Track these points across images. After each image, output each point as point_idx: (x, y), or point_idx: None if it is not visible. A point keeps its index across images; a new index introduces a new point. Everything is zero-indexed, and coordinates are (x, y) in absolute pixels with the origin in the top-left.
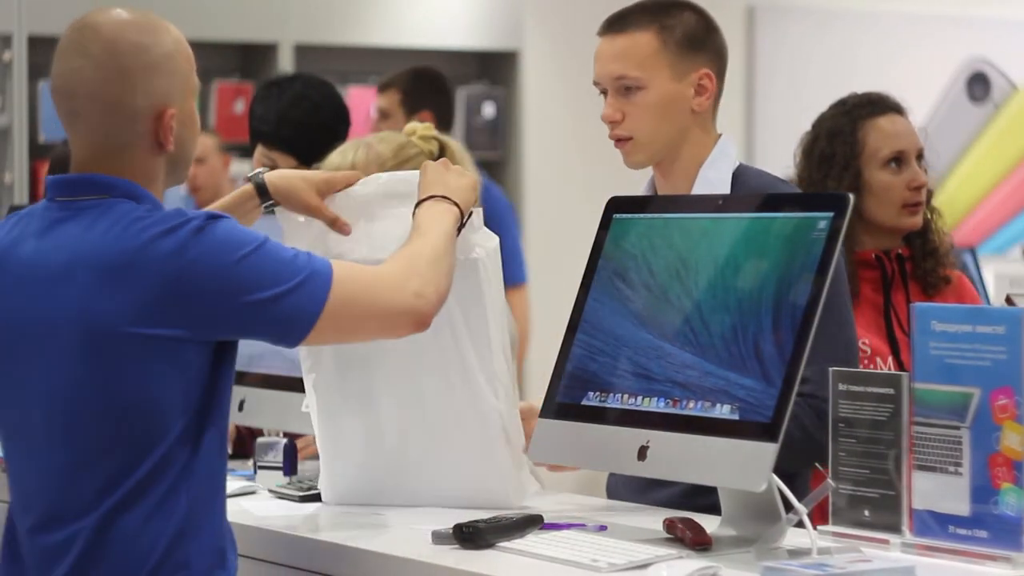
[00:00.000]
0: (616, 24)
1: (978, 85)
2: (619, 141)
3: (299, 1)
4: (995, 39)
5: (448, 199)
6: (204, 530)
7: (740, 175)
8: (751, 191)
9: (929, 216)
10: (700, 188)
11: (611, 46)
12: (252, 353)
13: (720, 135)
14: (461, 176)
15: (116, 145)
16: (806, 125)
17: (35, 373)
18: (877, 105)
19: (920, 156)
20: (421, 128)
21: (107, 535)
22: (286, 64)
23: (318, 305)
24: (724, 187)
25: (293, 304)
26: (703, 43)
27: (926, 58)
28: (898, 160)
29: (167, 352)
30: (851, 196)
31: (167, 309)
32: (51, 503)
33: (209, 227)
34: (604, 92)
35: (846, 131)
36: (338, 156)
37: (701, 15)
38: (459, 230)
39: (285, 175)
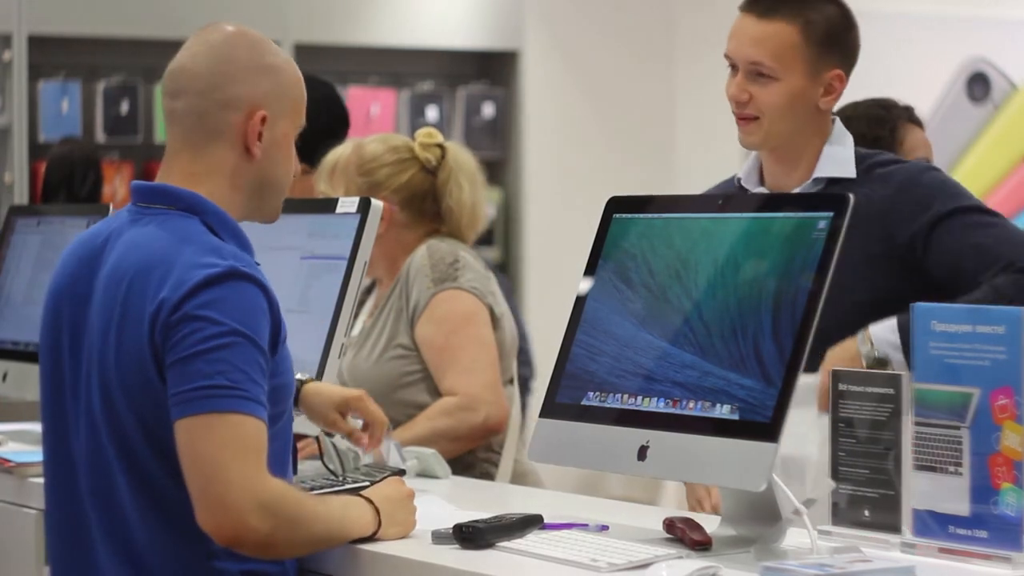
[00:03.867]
0: (764, 6)
1: (978, 85)
2: (743, 119)
3: (299, 1)
4: (995, 39)
5: (377, 514)
6: None
7: (857, 154)
8: (873, 165)
9: None
10: (825, 164)
11: (753, 28)
12: None
13: (835, 117)
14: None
15: (204, 131)
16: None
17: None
18: (913, 115)
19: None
20: (423, 135)
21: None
22: None
23: (199, 407)
24: (849, 165)
25: (197, 392)
26: (841, 42)
27: (926, 58)
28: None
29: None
30: (852, 196)
31: (163, 318)
32: None
33: (231, 281)
34: (733, 67)
35: (890, 122)
36: (332, 154)
37: (843, 10)
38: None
39: (319, 390)
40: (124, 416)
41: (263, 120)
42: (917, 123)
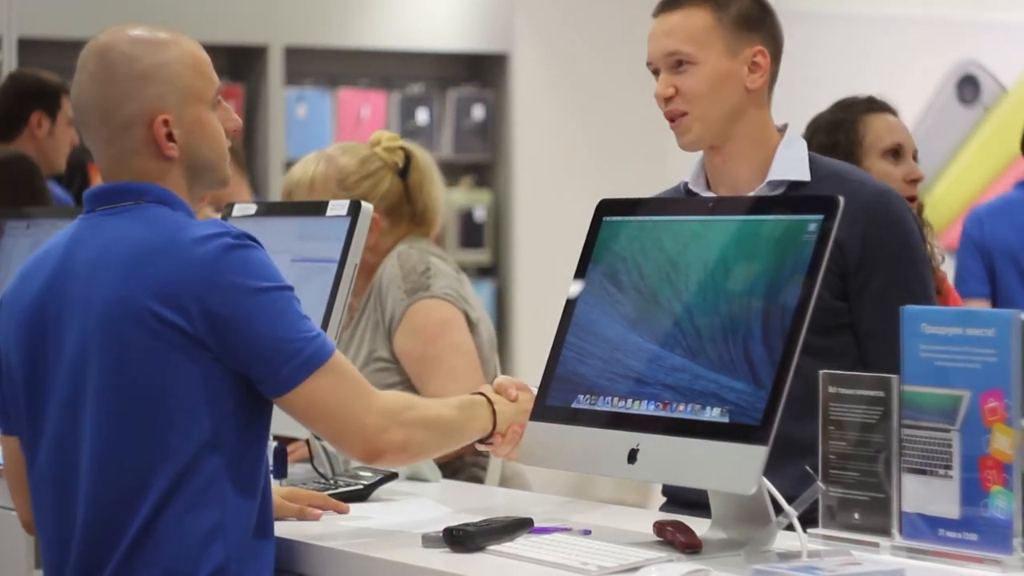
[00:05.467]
0: (670, 3)
1: (968, 87)
2: (673, 119)
3: (289, 3)
4: (985, 42)
5: (494, 415)
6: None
7: (813, 159)
8: (828, 174)
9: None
10: (778, 166)
11: (664, 24)
12: None
13: (786, 124)
14: (518, 412)
15: (121, 153)
16: (795, 125)
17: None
18: (875, 103)
19: (915, 157)
20: (386, 138)
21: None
22: (276, 67)
23: (305, 373)
24: (803, 166)
25: (288, 357)
26: (758, 22)
27: (916, 61)
28: (896, 152)
29: (183, 343)
30: (842, 199)
31: (186, 301)
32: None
33: (243, 247)
34: (656, 72)
35: (847, 123)
36: (300, 168)
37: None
38: (480, 442)
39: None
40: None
41: (165, 122)
42: (882, 109)
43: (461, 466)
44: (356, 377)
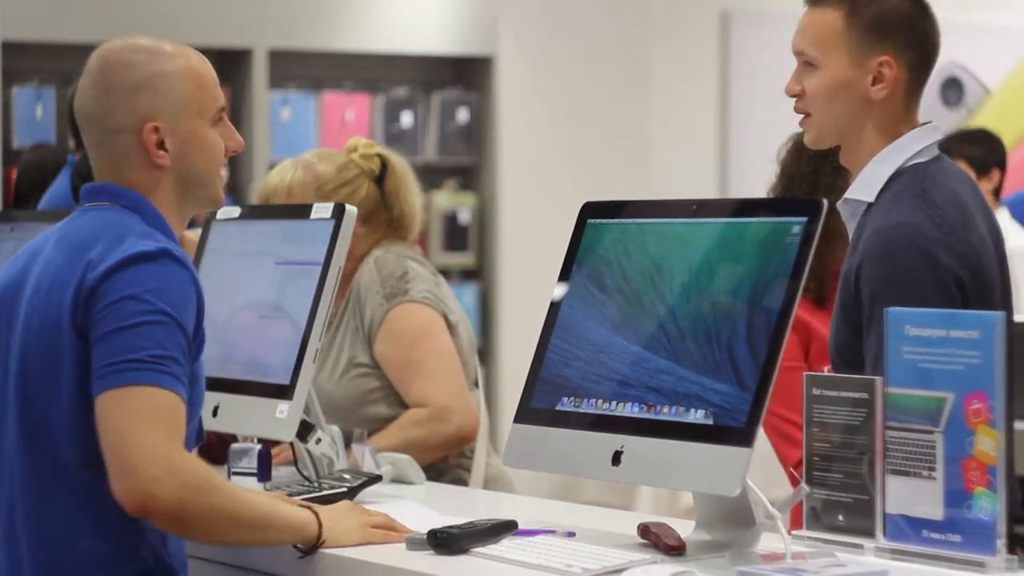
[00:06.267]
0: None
1: (952, 90)
2: (800, 115)
3: (274, 6)
4: (968, 44)
5: (320, 526)
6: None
7: (899, 177)
8: (889, 198)
9: None
10: (856, 185)
11: (804, 18)
12: (226, 358)
13: (917, 127)
14: (350, 519)
15: (111, 158)
16: (782, 129)
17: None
18: None
19: None
20: (362, 145)
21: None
22: (260, 70)
23: (118, 381)
24: (876, 185)
25: (119, 360)
26: (894, 28)
27: None
28: None
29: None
30: (825, 201)
31: (87, 304)
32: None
33: (157, 260)
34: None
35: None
36: (277, 175)
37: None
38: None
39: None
40: (35, 397)
41: (156, 130)
42: None
43: (445, 468)
44: (170, 424)
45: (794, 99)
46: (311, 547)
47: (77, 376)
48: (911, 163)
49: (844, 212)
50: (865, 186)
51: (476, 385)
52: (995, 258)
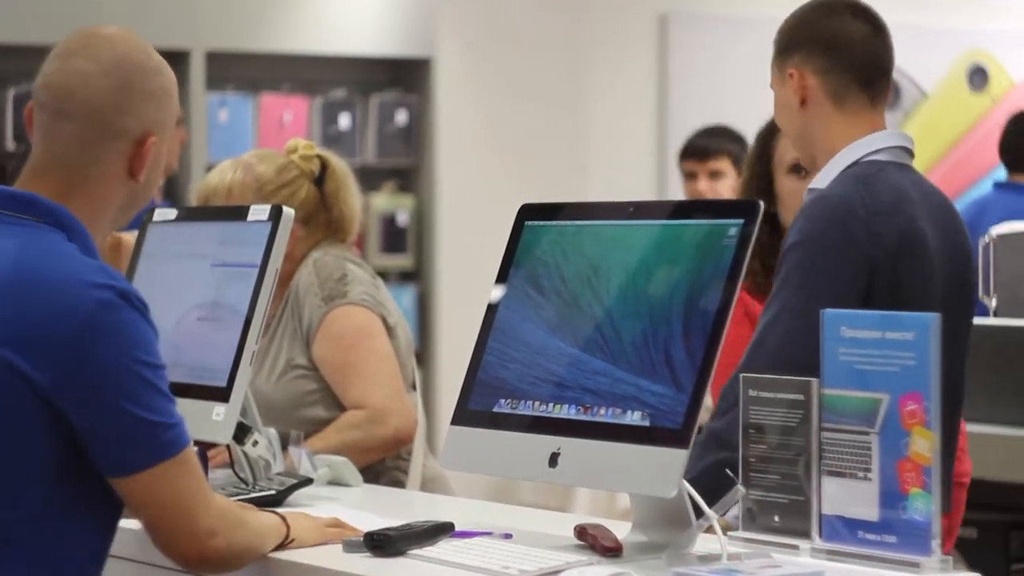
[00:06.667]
0: None
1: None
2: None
3: (211, 8)
4: (904, 47)
5: (287, 526)
6: None
7: (857, 165)
8: (844, 175)
9: None
10: (819, 175)
11: None
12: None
13: (882, 130)
14: (306, 520)
15: (88, 159)
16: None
17: None
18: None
19: None
20: (302, 146)
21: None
22: (198, 71)
23: (156, 459)
24: (831, 173)
25: (142, 438)
26: (794, 40)
27: None
28: (798, 168)
29: (32, 392)
30: (761, 203)
31: (46, 349)
32: None
33: (126, 308)
34: None
35: (767, 139)
36: (217, 175)
37: (810, 10)
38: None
39: None
40: None
41: (153, 144)
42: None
43: (382, 470)
44: (200, 475)
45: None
46: (276, 547)
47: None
48: (868, 158)
49: (805, 201)
50: (824, 177)
51: (414, 387)
52: (942, 258)
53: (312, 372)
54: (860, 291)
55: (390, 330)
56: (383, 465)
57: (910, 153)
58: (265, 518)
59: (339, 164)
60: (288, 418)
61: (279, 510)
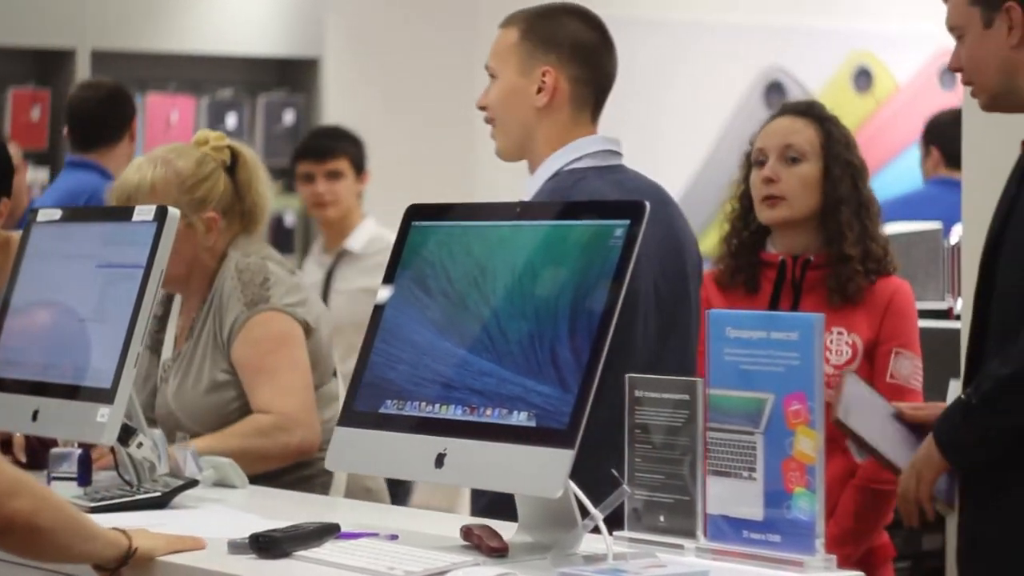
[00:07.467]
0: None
1: (774, 94)
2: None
3: (97, 6)
4: (790, 48)
5: (128, 537)
6: None
7: (559, 175)
8: (547, 190)
9: (840, 220)
10: (528, 184)
11: (495, 38)
12: (47, 363)
13: (571, 143)
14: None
15: None
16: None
17: None
18: (777, 111)
19: (786, 156)
20: (213, 137)
21: None
22: (83, 70)
23: None
24: (534, 184)
25: None
26: (559, 44)
27: (725, 66)
28: (762, 158)
29: None
30: (647, 204)
31: None
32: None
33: None
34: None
35: (753, 139)
36: (135, 172)
37: (582, 20)
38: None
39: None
40: None
41: None
42: (778, 116)
43: (312, 475)
44: None
45: (482, 110)
46: (120, 562)
47: None
48: (570, 167)
49: None
50: (530, 188)
51: (335, 375)
52: (656, 251)
53: (234, 378)
54: None
55: (311, 331)
56: (314, 469)
57: (617, 154)
58: (95, 524)
59: (250, 153)
60: (213, 425)
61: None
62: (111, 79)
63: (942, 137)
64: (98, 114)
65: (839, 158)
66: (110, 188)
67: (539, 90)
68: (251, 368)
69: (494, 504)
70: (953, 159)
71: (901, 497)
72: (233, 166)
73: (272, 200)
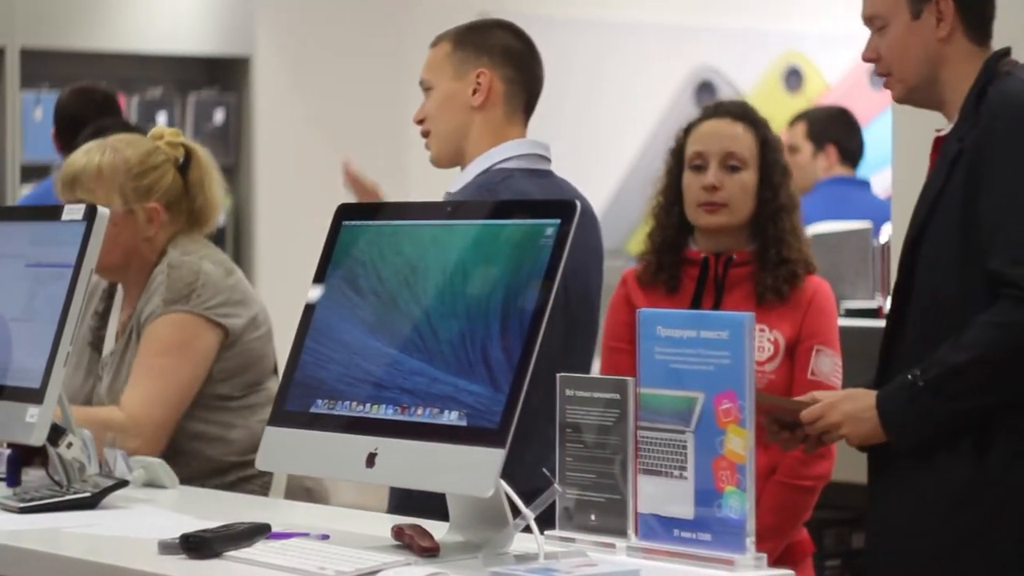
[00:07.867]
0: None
1: (705, 93)
2: (424, 136)
3: (26, 5)
4: (721, 48)
5: None
6: None
7: (487, 173)
8: (472, 187)
9: (778, 224)
10: (458, 179)
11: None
12: None
13: (501, 144)
14: None
15: None
16: (537, 134)
17: None
18: (710, 110)
19: (729, 163)
20: (169, 133)
21: None
22: (13, 69)
23: None
24: (464, 179)
25: None
26: (490, 48)
27: (656, 66)
28: (699, 162)
29: None
30: (578, 203)
31: None
32: None
33: None
34: None
35: (681, 136)
36: (83, 156)
37: (510, 31)
38: None
39: None
40: None
41: None
42: (705, 117)
43: (249, 476)
44: None
45: (419, 123)
46: None
47: None
48: (499, 166)
49: None
50: (459, 182)
51: (275, 372)
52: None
53: None
54: None
55: (234, 336)
56: (249, 472)
57: (545, 159)
58: None
59: (204, 153)
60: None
61: None
62: (103, 84)
63: (838, 135)
64: (89, 120)
65: (777, 164)
66: (58, 169)
67: (474, 91)
68: (138, 362)
69: (403, 502)
70: (849, 156)
71: (805, 418)
72: (186, 164)
73: (224, 201)
